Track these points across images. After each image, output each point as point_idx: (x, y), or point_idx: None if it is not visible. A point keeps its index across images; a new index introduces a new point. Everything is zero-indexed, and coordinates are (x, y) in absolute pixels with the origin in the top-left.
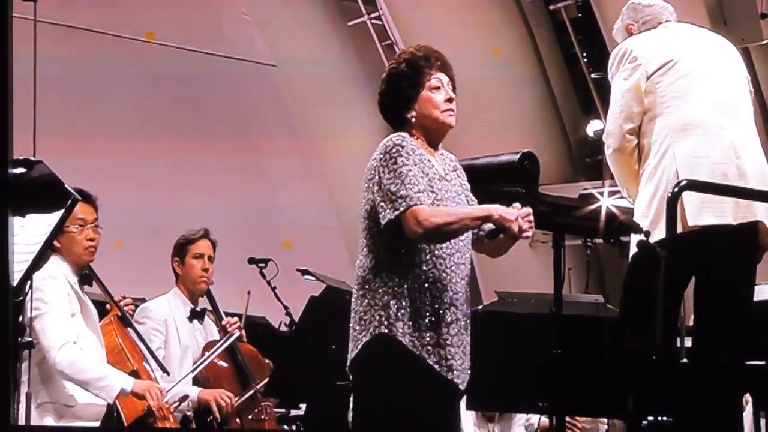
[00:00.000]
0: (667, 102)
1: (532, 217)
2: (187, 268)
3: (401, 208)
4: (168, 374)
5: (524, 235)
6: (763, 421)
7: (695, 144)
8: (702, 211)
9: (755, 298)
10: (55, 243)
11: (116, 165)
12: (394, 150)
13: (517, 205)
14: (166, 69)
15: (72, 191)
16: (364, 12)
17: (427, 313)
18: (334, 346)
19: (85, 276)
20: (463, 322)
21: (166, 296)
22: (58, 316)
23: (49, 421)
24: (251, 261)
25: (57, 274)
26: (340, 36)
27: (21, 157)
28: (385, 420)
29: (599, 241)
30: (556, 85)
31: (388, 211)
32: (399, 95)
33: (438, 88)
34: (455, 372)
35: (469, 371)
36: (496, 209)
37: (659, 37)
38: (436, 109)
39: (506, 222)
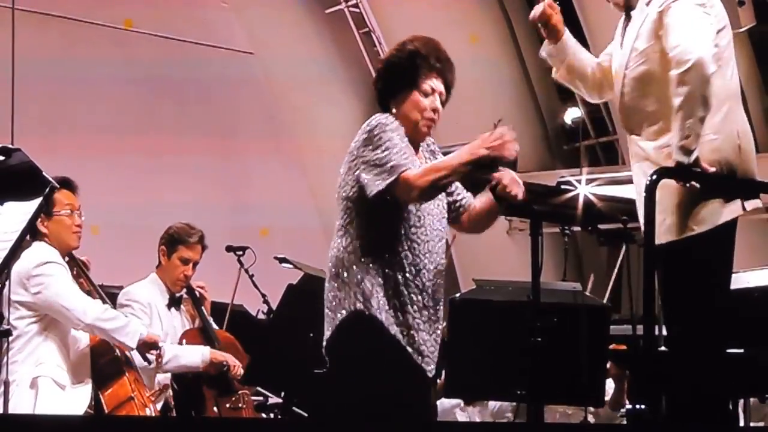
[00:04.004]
0: (722, 62)
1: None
2: (171, 265)
3: (391, 177)
4: (149, 363)
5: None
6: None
7: (743, 111)
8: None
9: (734, 287)
10: (42, 229)
11: (93, 151)
12: (378, 128)
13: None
14: (144, 56)
15: (50, 179)
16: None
17: (401, 296)
18: (311, 334)
19: (68, 264)
20: (433, 310)
21: (144, 282)
22: (69, 281)
23: (49, 389)
24: (229, 249)
25: (52, 257)
26: (318, 23)
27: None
28: (362, 395)
29: (577, 228)
30: (534, 72)
31: (377, 182)
32: (391, 85)
33: (428, 94)
34: (425, 358)
35: (436, 357)
36: (481, 147)
37: None
38: (417, 113)
39: (498, 152)
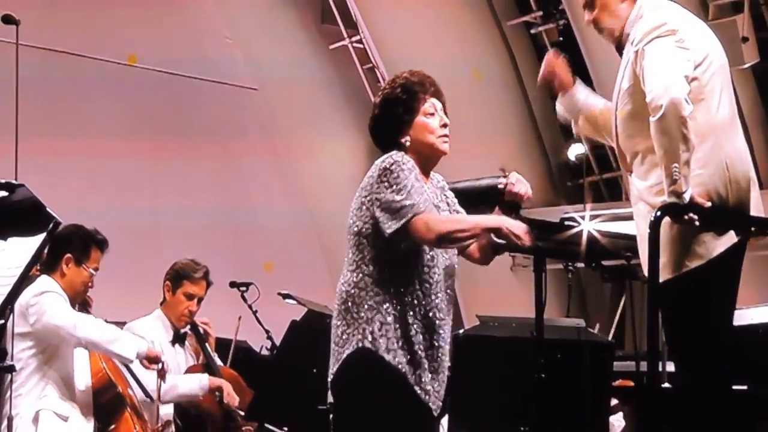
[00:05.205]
0: (705, 95)
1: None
2: (176, 301)
3: (408, 216)
4: (151, 400)
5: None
6: None
7: (736, 142)
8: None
9: (738, 323)
10: (64, 268)
11: (97, 187)
12: (394, 166)
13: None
14: (148, 92)
15: (54, 215)
16: (345, 35)
17: (410, 335)
18: (315, 370)
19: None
20: (443, 349)
21: (148, 319)
22: (64, 305)
23: (51, 423)
24: (233, 285)
25: (51, 287)
26: (322, 59)
27: (2, 181)
28: None
29: (580, 264)
30: (537, 108)
31: (393, 221)
32: (393, 120)
33: (432, 114)
34: (431, 397)
35: (443, 398)
36: (504, 223)
37: (693, 24)
38: (431, 135)
39: (514, 238)
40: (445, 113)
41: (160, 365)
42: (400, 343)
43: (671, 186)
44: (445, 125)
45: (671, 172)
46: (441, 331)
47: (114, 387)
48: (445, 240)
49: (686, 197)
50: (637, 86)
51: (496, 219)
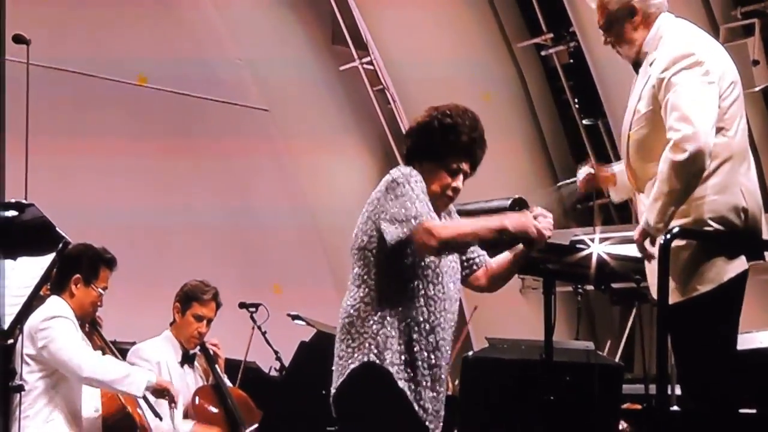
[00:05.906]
0: (725, 123)
1: (549, 218)
2: (185, 322)
3: (411, 225)
4: (160, 419)
5: (547, 235)
6: None
7: (750, 171)
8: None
9: (746, 347)
10: (72, 288)
11: (106, 205)
12: (401, 178)
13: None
14: (157, 112)
15: (64, 235)
16: (355, 57)
17: (413, 352)
18: (324, 392)
19: (80, 320)
20: (443, 369)
21: (157, 340)
22: (73, 335)
23: None
24: (242, 306)
25: (66, 313)
26: (332, 80)
27: (12, 201)
28: None
29: (590, 287)
30: (547, 130)
31: (397, 231)
32: (420, 150)
33: (454, 173)
34: (429, 416)
35: (441, 417)
36: (509, 222)
37: (718, 51)
38: (438, 188)
39: (524, 230)
40: (475, 167)
41: (168, 397)
42: (403, 358)
43: (659, 223)
44: (455, 190)
45: (666, 211)
46: (443, 350)
47: (124, 408)
48: (448, 245)
49: (657, 243)
50: (657, 113)
51: (500, 220)
